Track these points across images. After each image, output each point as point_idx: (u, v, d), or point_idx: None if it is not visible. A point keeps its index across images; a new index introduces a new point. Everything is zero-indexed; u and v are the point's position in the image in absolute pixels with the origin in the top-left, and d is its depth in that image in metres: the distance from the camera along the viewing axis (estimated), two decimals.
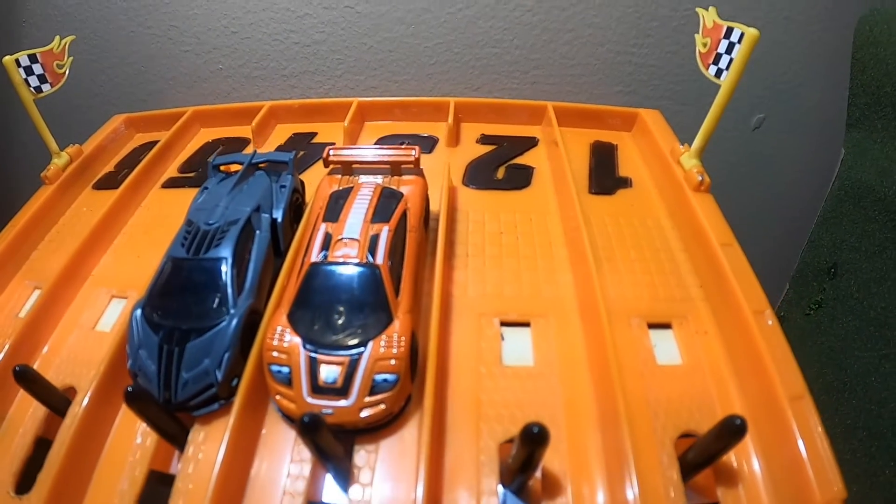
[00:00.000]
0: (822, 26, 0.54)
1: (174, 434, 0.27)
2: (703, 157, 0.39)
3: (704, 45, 0.39)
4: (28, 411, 0.30)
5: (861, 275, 0.57)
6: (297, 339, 0.26)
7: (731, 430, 0.22)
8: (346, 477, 0.25)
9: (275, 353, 0.26)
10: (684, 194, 0.38)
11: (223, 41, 0.53)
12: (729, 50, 0.36)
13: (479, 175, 0.43)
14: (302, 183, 0.38)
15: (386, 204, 0.32)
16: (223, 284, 0.28)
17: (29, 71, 0.42)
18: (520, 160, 0.45)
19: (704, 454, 0.24)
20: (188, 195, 0.43)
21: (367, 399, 0.25)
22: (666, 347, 0.30)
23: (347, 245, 0.29)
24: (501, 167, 0.44)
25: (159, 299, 0.29)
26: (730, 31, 0.36)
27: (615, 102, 0.54)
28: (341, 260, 0.28)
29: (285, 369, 0.26)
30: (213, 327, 0.27)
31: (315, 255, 0.28)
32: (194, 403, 0.26)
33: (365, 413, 0.25)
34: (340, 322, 0.27)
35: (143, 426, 0.28)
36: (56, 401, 0.30)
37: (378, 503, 0.24)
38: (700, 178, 0.37)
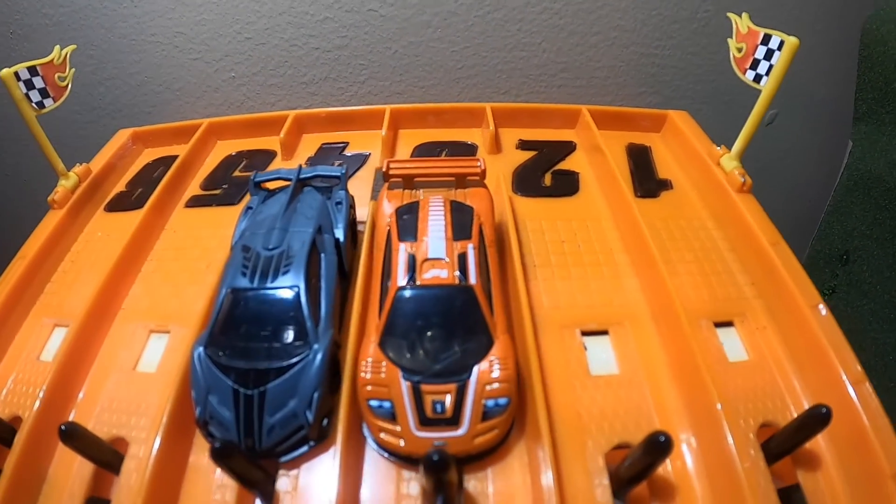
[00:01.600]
0: (830, 24, 0.55)
1: (258, 482, 0.23)
2: None
3: (739, 49, 0.38)
4: (72, 468, 0.26)
5: (873, 261, 0.58)
6: (396, 370, 0.23)
7: (817, 419, 0.22)
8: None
9: (371, 388, 0.23)
10: (728, 196, 0.38)
11: (235, 47, 0.49)
12: (768, 56, 0.36)
13: (527, 182, 0.41)
14: (352, 198, 0.35)
15: (461, 219, 0.29)
16: (300, 316, 0.25)
17: (29, 85, 0.38)
18: (563, 165, 0.44)
19: (790, 442, 0.24)
20: (216, 214, 0.40)
21: (480, 426, 0.23)
22: (732, 345, 0.30)
23: (436, 266, 0.26)
24: (547, 173, 0.42)
25: (225, 337, 0.25)
26: (767, 37, 0.36)
27: (639, 104, 0.53)
28: (432, 282, 0.25)
29: (387, 404, 0.23)
30: (295, 365, 0.24)
31: (401, 279, 0.26)
32: (282, 449, 0.23)
33: (479, 440, 0.23)
34: (439, 348, 0.24)
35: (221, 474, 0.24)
36: (106, 456, 0.26)
37: None
38: (742, 180, 0.37)
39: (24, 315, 0.34)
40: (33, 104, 0.37)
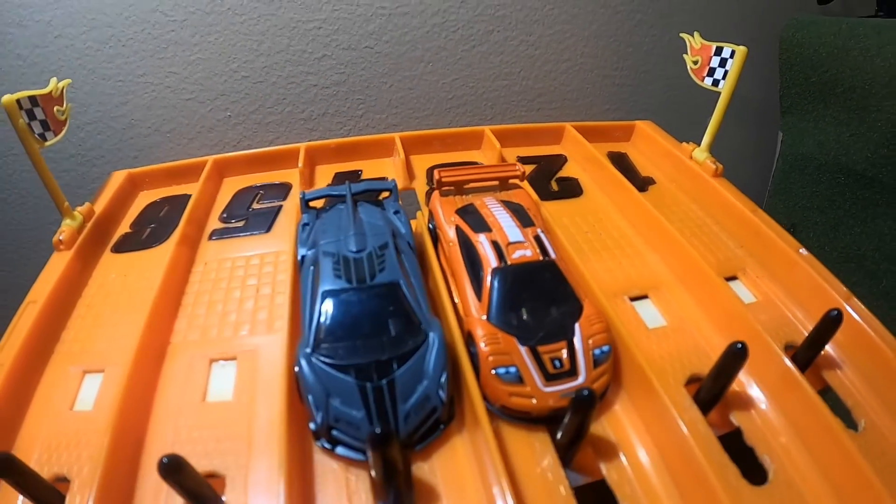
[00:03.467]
0: (752, 33, 0.67)
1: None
2: None
3: (695, 62, 0.47)
4: None
5: (817, 227, 0.68)
6: (511, 338, 0.25)
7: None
8: None
9: (494, 357, 0.25)
10: (706, 181, 0.45)
11: (232, 86, 0.49)
12: (722, 64, 0.44)
13: (539, 189, 0.45)
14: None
15: (518, 211, 0.32)
16: (406, 307, 0.26)
17: (31, 115, 0.35)
18: (562, 174, 0.49)
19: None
20: (245, 243, 0.39)
21: (594, 372, 0.25)
22: (741, 292, 0.37)
23: (520, 248, 0.28)
24: (552, 181, 0.47)
25: (331, 338, 0.25)
26: (719, 49, 0.45)
27: (606, 118, 0.60)
28: (521, 261, 0.28)
29: (512, 369, 0.24)
30: (416, 351, 0.24)
31: (493, 262, 0.28)
32: (419, 436, 0.23)
33: (596, 385, 0.25)
34: (541, 314, 0.27)
35: None
36: (203, 490, 0.24)
37: None
38: (715, 167, 0.45)
39: (43, 363, 0.31)
40: (36, 136, 0.35)
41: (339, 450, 0.23)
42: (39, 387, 0.30)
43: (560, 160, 0.51)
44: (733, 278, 0.37)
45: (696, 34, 0.46)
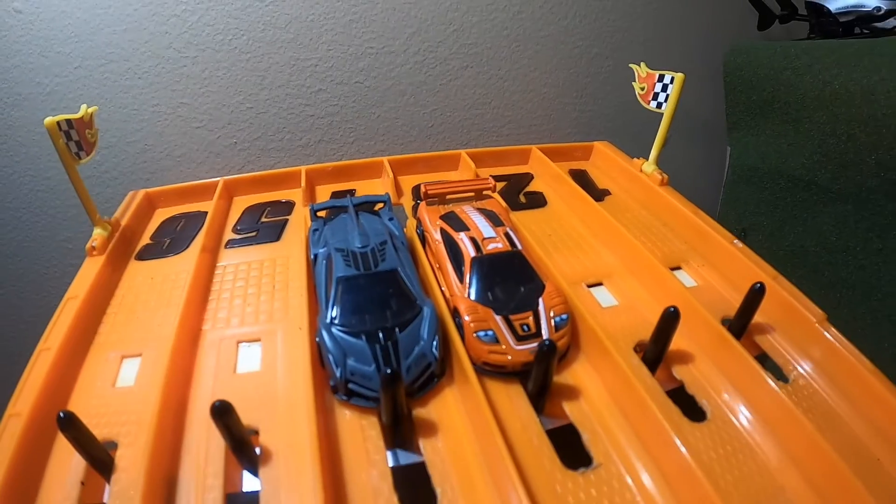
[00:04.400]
0: (697, 61, 0.77)
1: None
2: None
3: (642, 88, 0.56)
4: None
5: (765, 230, 0.75)
6: (489, 310, 0.32)
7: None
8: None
9: (475, 324, 0.31)
10: (654, 190, 0.53)
11: (238, 116, 0.56)
12: (664, 89, 0.53)
13: (508, 201, 0.53)
14: None
15: (491, 215, 0.40)
16: (404, 287, 0.33)
17: (68, 136, 0.40)
18: (529, 189, 0.57)
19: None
20: (257, 250, 0.45)
21: (555, 335, 0.32)
22: (684, 278, 0.43)
23: (494, 242, 0.36)
24: (520, 194, 0.55)
25: (345, 313, 0.32)
26: (662, 76, 0.53)
27: (567, 140, 0.70)
28: (495, 251, 0.35)
29: (490, 332, 0.31)
30: (414, 319, 0.31)
31: (472, 253, 0.35)
32: (418, 387, 0.30)
33: (563, 346, 0.33)
34: (511, 292, 0.34)
35: None
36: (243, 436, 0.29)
37: None
38: (661, 177, 0.53)
39: (84, 351, 0.36)
40: (73, 154, 0.41)
41: (355, 400, 0.30)
42: (83, 370, 0.35)
43: (527, 178, 0.59)
44: (677, 268, 0.44)
45: (642, 64, 0.55)
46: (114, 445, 0.30)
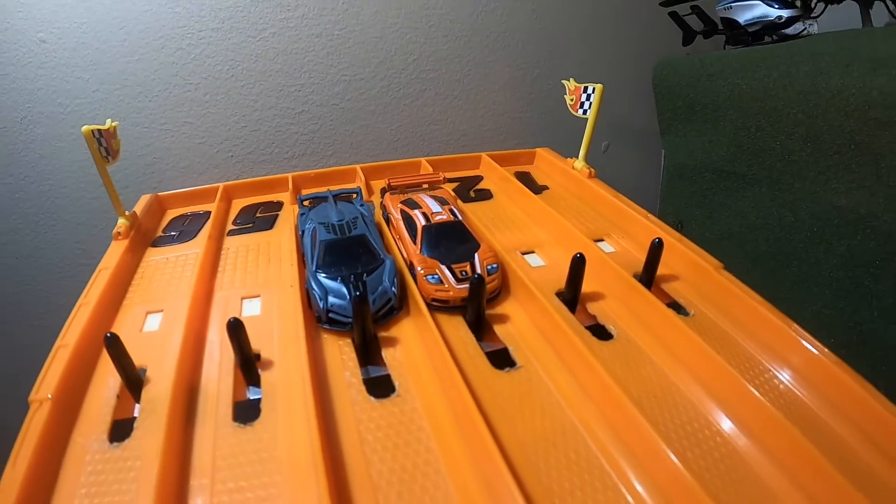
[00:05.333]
0: (633, 79, 0.90)
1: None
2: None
3: (571, 100, 0.68)
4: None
5: (698, 219, 0.83)
6: (435, 261, 0.42)
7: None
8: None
9: (425, 270, 0.42)
10: (584, 182, 0.64)
11: (235, 133, 0.67)
12: (588, 98, 0.66)
13: (459, 196, 0.64)
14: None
15: (440, 198, 0.51)
16: (371, 247, 0.43)
17: (99, 143, 0.50)
18: (479, 186, 0.69)
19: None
20: (255, 237, 0.55)
21: (488, 277, 0.42)
22: (605, 247, 0.53)
23: (440, 215, 0.47)
24: (471, 191, 0.67)
25: (329, 263, 0.42)
26: (586, 88, 0.65)
27: (513, 148, 0.82)
28: (440, 221, 0.46)
29: (436, 276, 0.41)
30: (378, 267, 0.42)
31: (423, 222, 0.46)
32: (381, 315, 0.40)
33: (492, 288, 0.43)
34: (453, 249, 0.44)
35: None
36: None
37: None
38: (589, 171, 0.65)
39: (115, 308, 0.44)
40: (104, 157, 0.50)
41: (334, 326, 0.39)
42: (115, 321, 0.43)
43: (477, 179, 0.71)
44: (600, 240, 0.54)
45: (571, 80, 0.67)
46: (143, 372, 0.39)
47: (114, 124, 0.53)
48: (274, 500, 0.29)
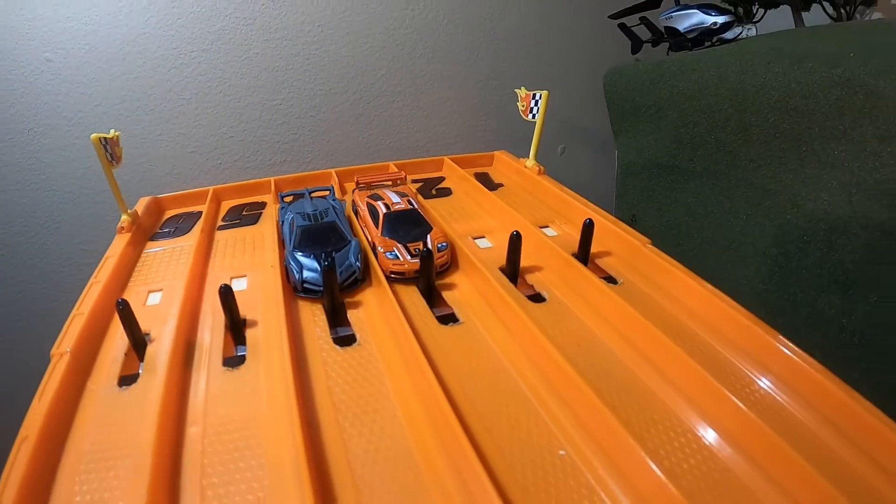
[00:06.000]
0: (588, 88, 1.00)
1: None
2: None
3: (522, 106, 0.77)
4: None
5: (650, 212, 0.89)
6: (394, 241, 0.51)
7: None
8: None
9: (384, 248, 0.50)
10: (534, 178, 0.73)
11: (223, 143, 0.75)
12: (536, 104, 0.75)
13: (422, 194, 0.73)
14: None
15: (400, 192, 0.59)
16: (340, 231, 0.51)
17: (105, 149, 0.57)
18: (440, 186, 0.77)
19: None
20: (241, 231, 0.63)
21: (438, 255, 0.51)
22: (549, 232, 0.61)
23: (399, 204, 0.55)
24: (433, 189, 0.75)
25: (304, 244, 0.50)
26: (534, 94, 0.74)
27: (474, 152, 0.91)
28: (399, 209, 0.54)
29: (394, 253, 0.50)
30: (345, 246, 0.50)
31: (385, 210, 0.54)
32: (347, 285, 0.48)
33: (438, 261, 0.51)
34: (409, 231, 0.52)
35: None
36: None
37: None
38: (538, 168, 0.74)
39: (122, 287, 0.52)
40: (109, 161, 0.58)
41: (308, 294, 0.47)
42: (123, 295, 0.51)
43: (440, 179, 0.80)
44: (545, 226, 0.62)
45: (522, 88, 0.77)
46: (147, 336, 0.46)
47: (116, 133, 0.61)
48: (255, 422, 0.36)
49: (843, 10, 0.82)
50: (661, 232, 0.89)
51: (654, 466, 0.30)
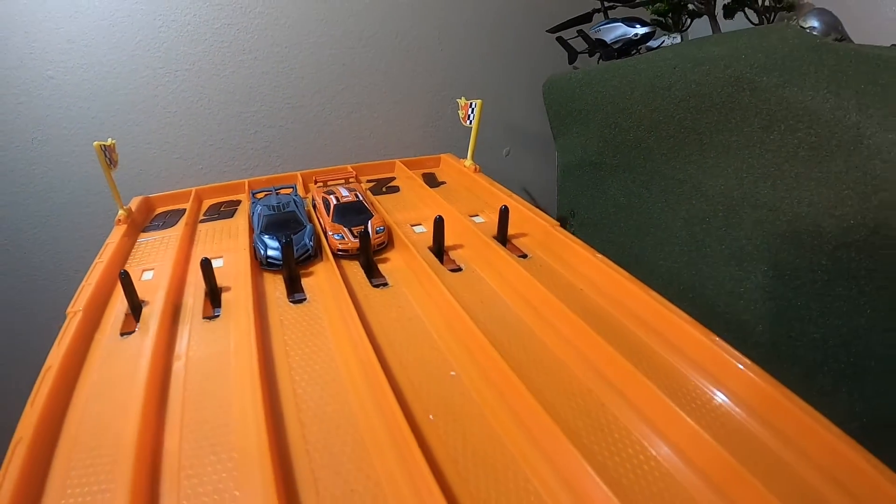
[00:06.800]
0: (533, 96, 1.12)
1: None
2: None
3: (462, 113, 0.90)
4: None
5: (585, 206, 0.95)
6: (341, 225, 0.64)
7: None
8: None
9: (333, 231, 0.63)
10: (471, 176, 0.86)
11: (204, 150, 0.87)
12: (472, 111, 0.88)
13: (375, 191, 0.86)
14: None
15: (350, 188, 0.72)
16: (299, 218, 0.64)
17: (105, 154, 0.69)
18: (390, 184, 0.90)
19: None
20: (220, 224, 0.75)
21: (375, 236, 0.63)
22: (477, 220, 0.73)
23: (347, 197, 0.68)
24: (384, 187, 0.88)
25: (268, 229, 0.62)
26: (471, 103, 0.87)
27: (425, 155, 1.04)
28: (346, 201, 0.67)
29: (340, 235, 0.62)
30: (301, 230, 0.62)
31: (335, 202, 0.67)
32: (301, 260, 0.61)
33: (375, 241, 0.63)
34: (354, 217, 0.65)
35: None
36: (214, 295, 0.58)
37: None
38: (474, 167, 0.87)
39: (121, 265, 0.64)
40: (109, 165, 0.70)
41: (272, 268, 0.60)
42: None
43: (391, 179, 0.92)
44: (475, 215, 0.75)
45: (462, 98, 0.90)
46: (143, 303, 0.58)
47: (113, 141, 0.73)
48: (225, 358, 0.48)
49: (764, 18, 0.88)
50: (594, 222, 0.97)
51: (518, 382, 0.42)
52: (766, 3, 0.85)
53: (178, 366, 0.48)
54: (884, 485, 0.32)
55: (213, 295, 0.58)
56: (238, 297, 0.57)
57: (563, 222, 1.05)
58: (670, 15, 0.89)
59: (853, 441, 0.35)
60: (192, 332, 0.52)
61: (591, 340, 0.46)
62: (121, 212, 0.71)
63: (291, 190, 0.75)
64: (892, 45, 0.73)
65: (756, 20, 0.89)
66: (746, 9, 0.87)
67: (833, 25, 0.81)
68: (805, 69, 0.58)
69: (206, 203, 0.83)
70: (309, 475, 0.36)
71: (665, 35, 0.90)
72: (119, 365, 0.47)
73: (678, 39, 0.91)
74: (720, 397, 0.42)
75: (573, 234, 0.66)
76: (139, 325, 0.53)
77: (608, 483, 0.33)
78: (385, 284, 0.60)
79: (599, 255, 0.59)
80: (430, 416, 0.41)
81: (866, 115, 0.53)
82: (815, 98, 0.57)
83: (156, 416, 0.41)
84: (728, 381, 0.42)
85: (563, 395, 0.43)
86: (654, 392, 0.40)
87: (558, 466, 0.36)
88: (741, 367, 0.41)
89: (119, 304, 0.57)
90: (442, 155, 0.97)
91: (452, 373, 0.47)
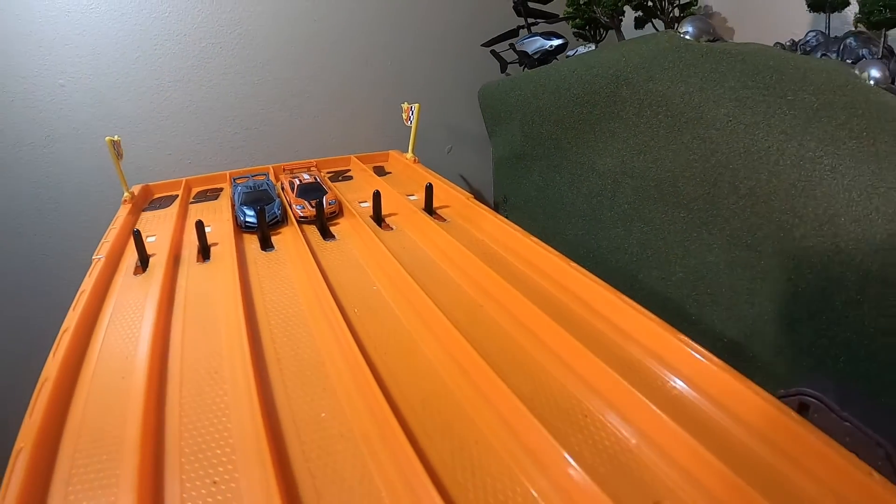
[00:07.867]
0: (468, 96, 1.33)
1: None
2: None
3: (404, 115, 1.11)
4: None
5: (515, 193, 1.05)
6: (303, 199, 0.83)
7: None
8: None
9: (295, 202, 0.82)
10: (410, 166, 1.07)
11: (193, 147, 1.05)
12: (412, 113, 1.09)
13: (333, 179, 1.05)
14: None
15: (311, 174, 0.92)
16: (271, 195, 0.83)
17: (115, 147, 0.87)
18: (346, 175, 1.10)
19: (428, 202, 0.89)
20: (208, 205, 0.93)
21: (328, 206, 0.83)
22: (412, 198, 0.94)
23: (308, 180, 0.88)
24: (340, 177, 1.08)
25: (246, 202, 0.81)
26: (411, 106, 1.06)
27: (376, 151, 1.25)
28: (306, 182, 0.87)
29: (301, 206, 0.82)
30: (271, 203, 0.82)
31: (298, 183, 0.87)
32: (271, 224, 0.80)
33: (329, 210, 0.83)
34: (312, 194, 0.85)
35: None
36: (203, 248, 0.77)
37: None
38: (414, 159, 1.08)
39: (128, 237, 0.82)
40: (118, 156, 0.87)
41: (248, 230, 0.79)
42: (129, 243, 0.81)
43: (346, 171, 1.12)
44: (411, 195, 0.96)
45: (405, 103, 1.11)
46: (149, 255, 0.76)
47: (119, 138, 0.91)
48: (215, 293, 0.67)
49: (671, 27, 0.94)
50: (522, 206, 1.09)
51: (444, 317, 0.63)
52: (672, 14, 0.96)
53: (178, 298, 0.66)
54: (807, 437, 0.36)
55: (205, 249, 0.76)
56: (224, 250, 0.75)
57: (497, 207, 1.27)
58: (587, 28, 1.05)
59: (774, 398, 0.39)
60: (190, 273, 0.71)
61: (495, 282, 0.60)
62: (126, 193, 0.89)
63: (265, 177, 0.94)
64: (776, 42, 0.84)
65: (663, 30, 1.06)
66: (654, 20, 0.99)
67: (705, 30, 0.99)
68: (667, 65, 0.70)
69: (195, 190, 1.01)
70: (276, 364, 0.56)
71: (582, 45, 1.03)
72: (133, 296, 0.65)
73: (593, 48, 1.02)
74: (612, 337, 0.51)
75: (506, 216, 0.78)
76: (148, 269, 0.71)
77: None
78: (335, 239, 0.79)
79: (506, 220, 0.79)
80: (355, 310, 0.61)
81: (706, 97, 0.64)
82: (671, 87, 0.68)
83: (162, 337, 0.59)
84: (619, 320, 0.52)
85: (464, 314, 0.60)
86: (551, 323, 0.51)
87: (465, 369, 0.49)
88: (629, 307, 0.51)
89: (130, 257, 0.75)
90: (390, 151, 1.18)
91: (375, 287, 0.67)
